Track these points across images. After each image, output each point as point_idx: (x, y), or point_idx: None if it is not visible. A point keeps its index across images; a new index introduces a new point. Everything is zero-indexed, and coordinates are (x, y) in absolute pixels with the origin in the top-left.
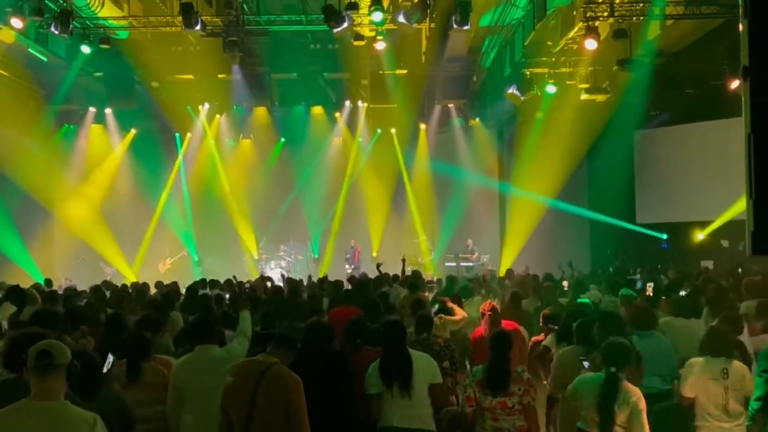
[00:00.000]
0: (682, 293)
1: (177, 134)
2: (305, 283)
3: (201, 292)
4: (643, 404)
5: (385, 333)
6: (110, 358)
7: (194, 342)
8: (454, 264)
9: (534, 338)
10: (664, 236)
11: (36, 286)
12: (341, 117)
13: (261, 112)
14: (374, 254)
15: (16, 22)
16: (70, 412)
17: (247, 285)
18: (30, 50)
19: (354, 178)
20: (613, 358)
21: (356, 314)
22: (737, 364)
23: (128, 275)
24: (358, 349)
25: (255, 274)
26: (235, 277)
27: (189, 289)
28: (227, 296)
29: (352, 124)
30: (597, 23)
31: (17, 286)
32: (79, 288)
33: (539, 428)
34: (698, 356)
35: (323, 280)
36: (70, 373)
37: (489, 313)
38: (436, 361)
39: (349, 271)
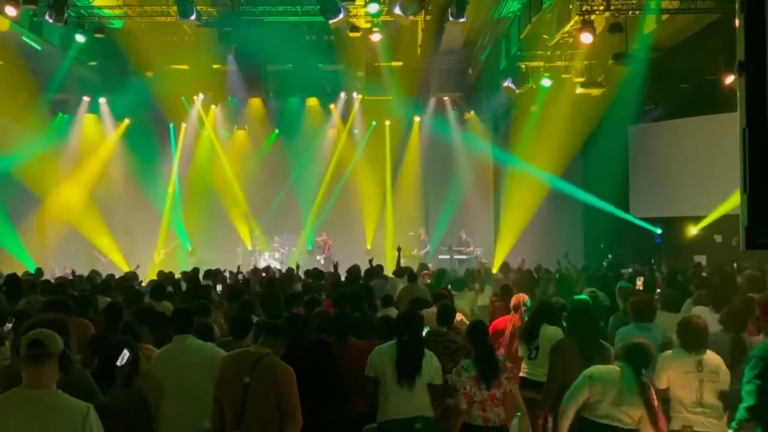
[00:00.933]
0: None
1: (171, 124)
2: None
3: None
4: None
5: (403, 323)
6: (125, 353)
7: (174, 332)
8: (448, 257)
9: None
10: (659, 230)
11: (26, 274)
12: (336, 108)
13: (256, 103)
14: (368, 246)
15: (10, 10)
16: (63, 401)
17: (241, 277)
18: (24, 38)
19: (346, 169)
20: (638, 362)
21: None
22: (711, 356)
23: (122, 265)
24: (344, 342)
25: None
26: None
27: (188, 279)
28: (219, 287)
29: (346, 115)
30: (593, 17)
31: (14, 274)
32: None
33: (510, 415)
34: (673, 348)
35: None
36: (63, 362)
37: (523, 307)
38: (452, 359)
39: (320, 260)
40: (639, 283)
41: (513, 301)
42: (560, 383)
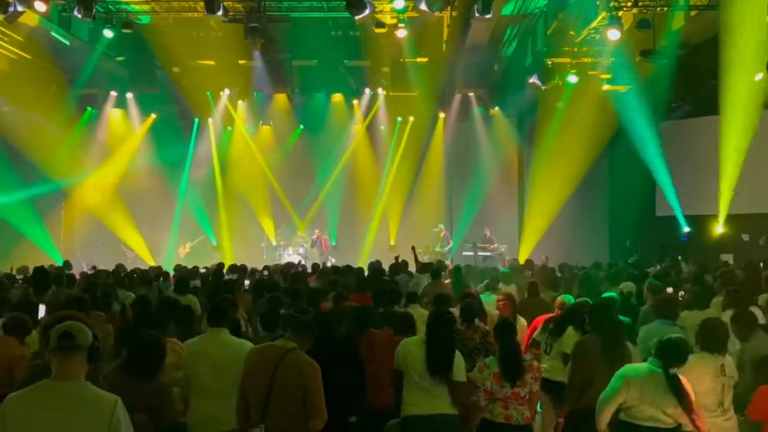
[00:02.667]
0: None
1: (197, 120)
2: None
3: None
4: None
5: (436, 323)
6: None
7: (208, 325)
8: (472, 254)
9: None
10: (687, 228)
11: (52, 267)
12: (361, 105)
13: (281, 98)
14: (392, 242)
15: (40, 6)
16: (91, 393)
17: (265, 273)
18: (53, 34)
19: (370, 166)
20: (670, 358)
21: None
22: (730, 360)
23: (147, 259)
24: (363, 331)
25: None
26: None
27: (214, 274)
28: (246, 282)
29: (371, 112)
30: (620, 13)
31: (42, 267)
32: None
33: (535, 414)
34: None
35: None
36: (91, 354)
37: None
38: (470, 358)
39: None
40: (670, 291)
41: (558, 301)
42: (581, 382)
